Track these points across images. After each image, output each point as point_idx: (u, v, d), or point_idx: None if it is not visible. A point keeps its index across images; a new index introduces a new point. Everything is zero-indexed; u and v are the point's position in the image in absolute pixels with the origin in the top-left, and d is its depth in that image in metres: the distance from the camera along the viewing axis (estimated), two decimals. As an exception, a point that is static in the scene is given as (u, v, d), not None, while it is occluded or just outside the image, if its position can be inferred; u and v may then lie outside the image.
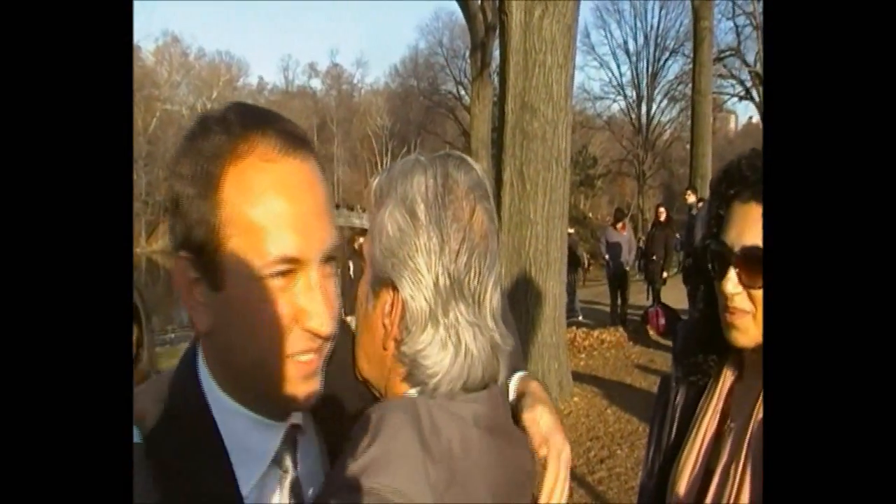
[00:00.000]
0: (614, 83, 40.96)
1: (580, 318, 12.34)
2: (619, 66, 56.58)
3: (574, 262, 11.60)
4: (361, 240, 9.29)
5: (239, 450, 0.84)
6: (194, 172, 0.78)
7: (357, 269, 8.96)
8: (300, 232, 0.79)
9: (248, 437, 0.85)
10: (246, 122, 0.80)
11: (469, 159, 0.95)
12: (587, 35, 42.92)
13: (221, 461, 0.82)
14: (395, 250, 0.89)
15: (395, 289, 0.89)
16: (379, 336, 0.92)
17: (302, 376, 0.83)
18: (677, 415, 1.36)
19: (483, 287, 0.90)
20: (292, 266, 0.79)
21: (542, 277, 6.68)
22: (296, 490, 0.89)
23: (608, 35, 66.49)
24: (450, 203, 0.89)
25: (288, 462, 0.89)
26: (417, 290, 0.88)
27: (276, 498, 0.87)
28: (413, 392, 0.90)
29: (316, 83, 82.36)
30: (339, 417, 0.96)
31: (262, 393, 0.84)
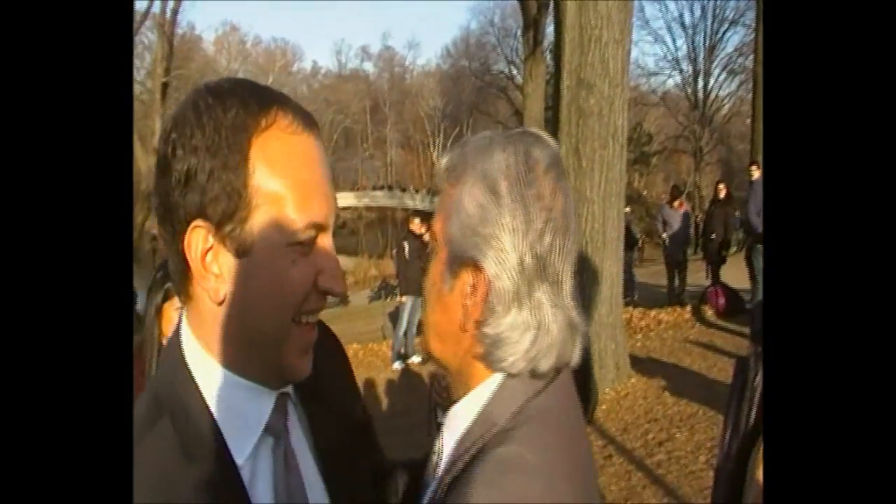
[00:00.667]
0: (669, 58, 40.46)
1: (636, 297, 12.18)
2: (674, 40, 55.63)
3: (630, 242, 11.44)
4: (417, 220, 9.32)
5: (232, 420, 0.86)
6: (213, 145, 0.80)
7: (413, 248, 8.96)
8: (322, 199, 0.85)
9: (241, 406, 0.87)
10: (262, 97, 0.84)
11: (546, 136, 0.93)
12: (641, 9, 42.10)
13: (213, 435, 0.84)
14: (478, 229, 0.87)
15: (477, 268, 0.87)
16: (457, 317, 0.90)
17: (305, 343, 0.88)
18: (756, 396, 1.31)
19: (564, 267, 0.89)
20: (315, 231, 0.84)
21: (599, 256, 6.58)
22: (288, 459, 0.91)
23: (663, 8, 65.38)
24: (532, 181, 0.87)
25: (280, 430, 0.91)
26: (502, 270, 0.86)
27: (269, 467, 0.89)
28: (497, 377, 0.90)
29: (368, 66, 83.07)
30: (320, 392, 1.00)
31: (266, 360, 0.86)
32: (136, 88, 27.52)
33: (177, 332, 0.91)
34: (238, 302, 0.83)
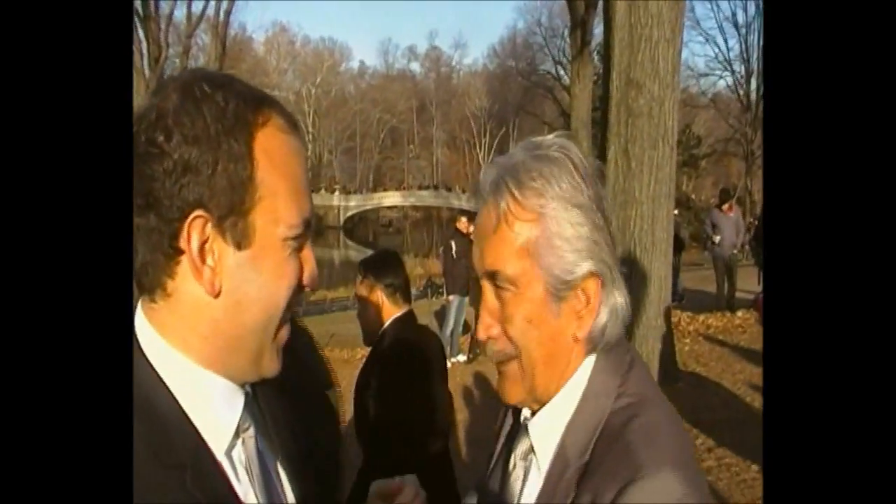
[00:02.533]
0: (721, 58, 39.49)
1: (683, 301, 12.01)
2: (726, 41, 54.66)
3: (678, 245, 11.28)
4: (464, 219, 9.32)
5: (208, 419, 0.84)
6: (217, 134, 0.78)
7: (459, 247, 8.95)
8: (308, 198, 0.87)
9: (216, 404, 0.86)
10: (255, 94, 0.85)
11: (565, 142, 0.99)
12: (692, 9, 41.57)
13: (190, 435, 0.82)
14: (579, 245, 0.94)
15: (590, 277, 0.95)
16: (569, 332, 0.97)
17: (283, 340, 0.89)
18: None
19: None
20: (306, 231, 0.86)
21: (648, 258, 6.50)
22: (258, 457, 0.92)
23: (714, 7, 64.19)
24: (601, 191, 0.97)
25: (246, 428, 0.90)
26: (606, 266, 0.96)
27: (242, 461, 0.89)
28: (589, 361, 1.00)
29: (415, 66, 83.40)
30: (277, 391, 1.02)
31: (248, 356, 0.86)
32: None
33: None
34: (234, 295, 0.82)
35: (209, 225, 0.79)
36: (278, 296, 0.84)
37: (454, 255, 9.05)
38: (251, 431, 0.91)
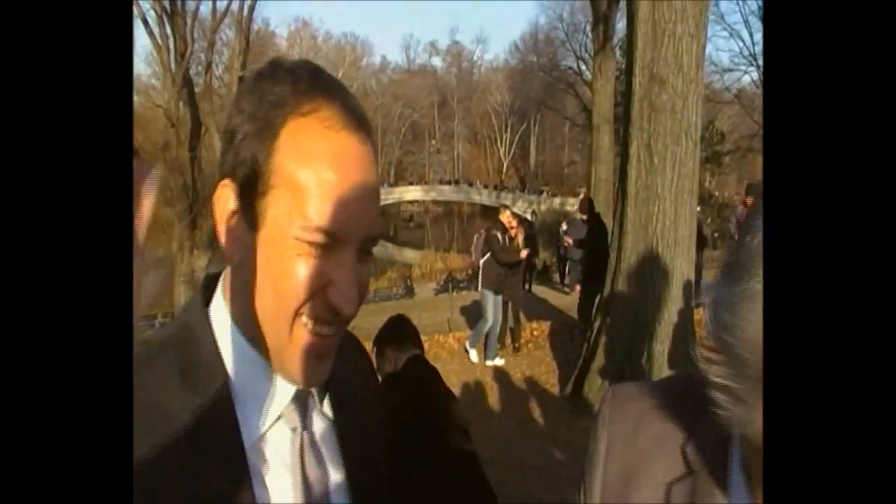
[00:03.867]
0: (745, 53, 39.01)
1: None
2: (751, 35, 53.67)
3: (701, 243, 11.19)
4: (508, 213, 8.90)
5: (246, 396, 0.83)
6: (255, 112, 0.79)
7: (503, 242, 8.60)
8: (345, 209, 0.78)
9: (257, 386, 0.84)
10: (315, 82, 0.81)
11: None
12: (716, 4, 41.11)
13: (226, 404, 0.81)
14: None
15: None
16: None
17: (314, 351, 0.82)
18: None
19: None
20: (328, 239, 0.78)
21: (670, 255, 6.46)
22: (308, 451, 0.88)
23: (739, 2, 63.50)
24: None
25: (297, 420, 0.87)
26: None
27: (285, 455, 0.86)
28: None
29: (437, 61, 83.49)
30: (351, 402, 0.98)
31: (273, 350, 0.82)
32: (214, 83, 28.19)
33: (207, 288, 0.90)
34: (249, 271, 0.81)
35: (235, 196, 0.80)
36: (282, 292, 0.79)
37: (501, 247, 8.59)
38: (299, 431, 0.87)
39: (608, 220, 9.43)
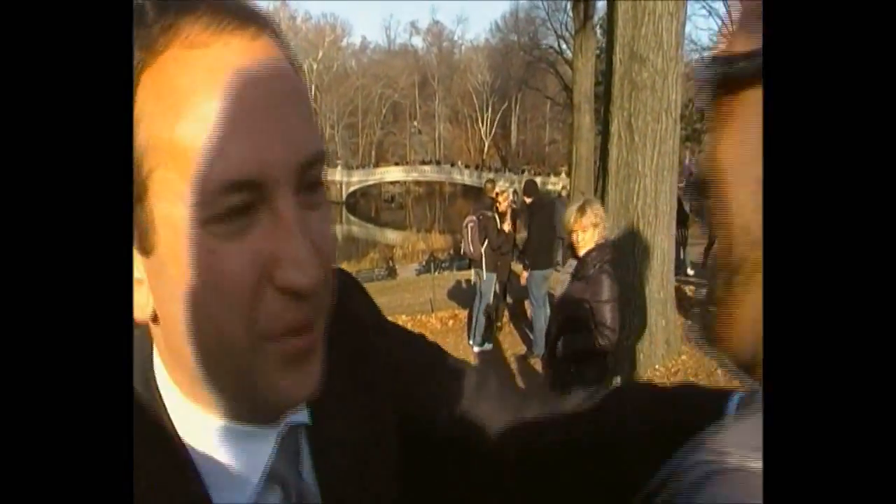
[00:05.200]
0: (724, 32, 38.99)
1: (691, 274, 12.05)
2: (729, 14, 53.68)
3: (681, 218, 11.25)
4: (497, 189, 8.65)
5: (217, 473, 0.62)
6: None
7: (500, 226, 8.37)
8: (254, 141, 0.53)
9: (227, 455, 0.63)
10: (166, 5, 0.55)
11: None
12: (696, -18, 40.90)
13: (195, 492, 0.61)
14: None
15: None
16: None
17: (288, 359, 0.58)
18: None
19: None
20: (248, 195, 0.53)
21: (651, 231, 6.53)
22: None
23: (719, -19, 63.37)
24: None
25: (288, 475, 0.66)
26: None
27: None
28: None
29: (417, 41, 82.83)
30: (341, 414, 0.73)
31: (235, 392, 0.60)
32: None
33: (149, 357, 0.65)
34: (166, 318, 0.58)
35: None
36: (217, 311, 0.55)
37: (498, 236, 8.37)
38: (301, 478, 0.68)
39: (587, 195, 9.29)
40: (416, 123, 73.71)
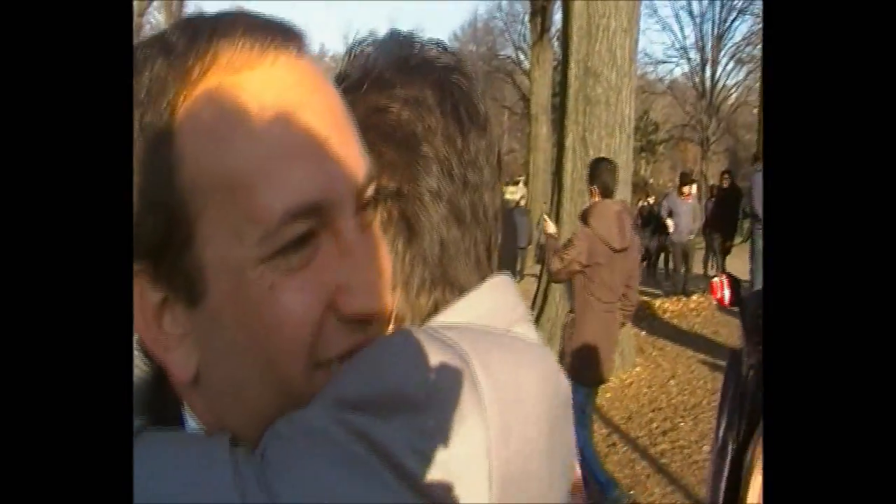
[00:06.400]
0: (677, 46, 39.80)
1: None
2: (682, 29, 54.86)
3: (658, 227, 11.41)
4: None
5: None
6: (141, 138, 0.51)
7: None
8: (316, 162, 0.50)
9: None
10: (196, 31, 0.51)
11: None
12: (650, -4, 41.77)
13: None
14: None
15: None
16: None
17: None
18: (749, 392, 1.32)
19: None
20: (312, 222, 0.50)
21: (605, 246, 6.60)
22: None
23: (671, -4, 64.62)
24: None
25: None
26: None
27: None
28: None
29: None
30: None
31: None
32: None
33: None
34: (215, 375, 0.53)
35: (149, 282, 0.52)
36: (281, 351, 0.50)
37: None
38: None
39: (544, 209, 9.32)
40: (373, 132, 73.67)
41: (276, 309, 0.49)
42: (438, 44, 0.73)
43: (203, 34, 0.50)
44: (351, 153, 0.52)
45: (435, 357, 0.49)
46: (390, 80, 0.67)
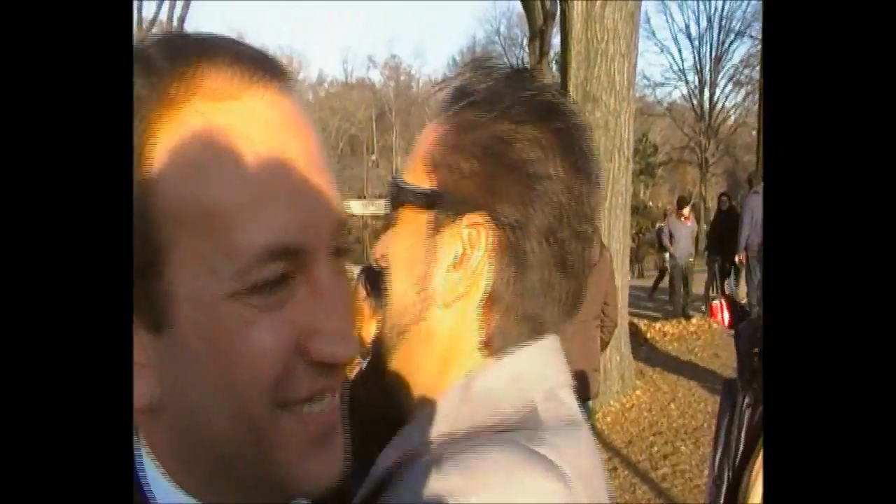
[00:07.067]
0: (675, 69, 40.00)
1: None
2: (680, 51, 55.21)
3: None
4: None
5: None
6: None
7: None
8: (296, 205, 0.49)
9: None
10: (180, 52, 0.50)
11: None
12: (647, 20, 41.99)
13: None
14: None
15: None
16: None
17: (317, 436, 0.53)
18: (745, 420, 1.32)
19: None
20: (289, 263, 0.49)
21: (605, 269, 6.60)
22: None
23: (669, 19, 65.29)
24: None
25: None
26: None
27: None
28: None
29: (375, 75, 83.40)
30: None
31: (255, 478, 0.53)
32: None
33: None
34: (176, 403, 0.52)
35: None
36: (245, 387, 0.50)
37: None
38: None
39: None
40: (373, 157, 73.86)
41: (244, 345, 0.48)
42: (560, 91, 0.78)
43: (186, 56, 0.50)
44: (330, 198, 0.52)
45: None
46: (519, 116, 0.71)
